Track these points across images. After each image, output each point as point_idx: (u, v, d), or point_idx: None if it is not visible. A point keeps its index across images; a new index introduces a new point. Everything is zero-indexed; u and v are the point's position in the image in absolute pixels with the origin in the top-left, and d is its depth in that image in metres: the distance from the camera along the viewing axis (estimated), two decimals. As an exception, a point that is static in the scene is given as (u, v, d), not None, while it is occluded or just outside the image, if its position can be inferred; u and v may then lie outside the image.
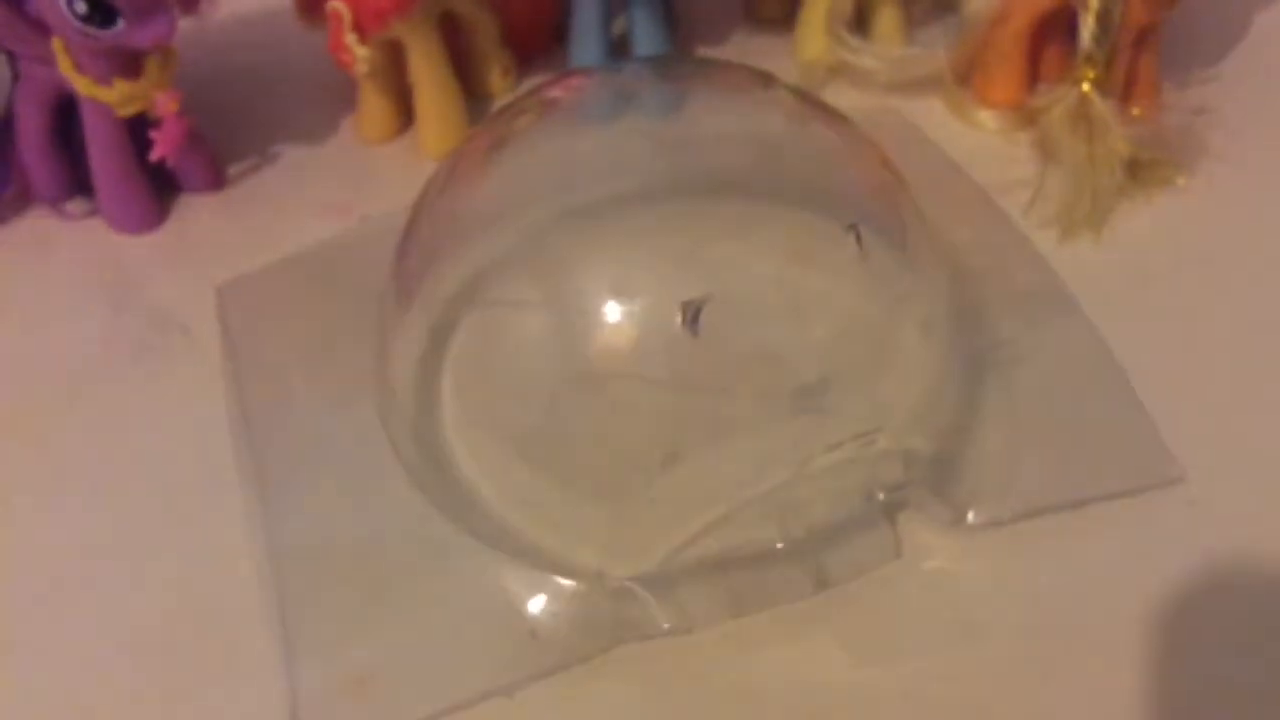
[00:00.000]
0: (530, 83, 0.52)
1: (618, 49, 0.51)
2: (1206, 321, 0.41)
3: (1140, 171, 0.45)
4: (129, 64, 0.42)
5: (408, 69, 0.47)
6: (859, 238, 0.34)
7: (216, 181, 0.47)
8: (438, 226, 0.37)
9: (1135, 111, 0.46)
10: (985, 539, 0.35)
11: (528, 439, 0.34)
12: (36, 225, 0.46)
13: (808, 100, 0.39)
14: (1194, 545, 0.35)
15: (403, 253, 0.37)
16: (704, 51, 0.54)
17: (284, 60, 0.52)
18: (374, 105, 0.49)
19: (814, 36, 0.51)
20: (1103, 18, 0.44)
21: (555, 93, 0.39)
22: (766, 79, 0.38)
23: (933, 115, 0.50)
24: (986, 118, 0.49)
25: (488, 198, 0.38)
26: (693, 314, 0.32)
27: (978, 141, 0.48)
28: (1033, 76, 0.49)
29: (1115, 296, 0.42)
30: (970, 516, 0.35)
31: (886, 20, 0.51)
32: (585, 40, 0.50)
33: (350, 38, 0.44)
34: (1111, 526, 0.35)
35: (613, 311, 0.33)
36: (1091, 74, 0.45)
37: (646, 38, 0.50)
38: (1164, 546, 0.35)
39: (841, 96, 0.50)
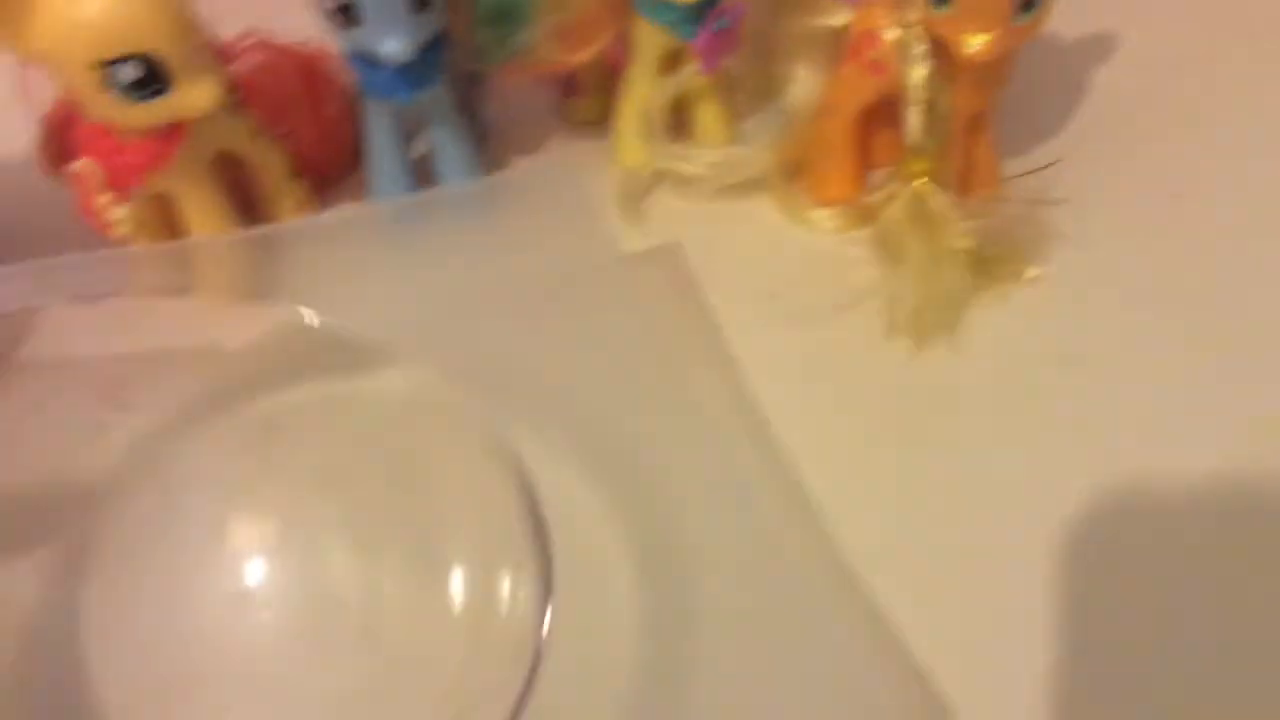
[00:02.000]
0: (333, 209, 0.47)
1: (420, 167, 0.47)
2: (1073, 422, 0.39)
3: (988, 266, 0.42)
4: None
5: (180, 219, 0.42)
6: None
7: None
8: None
9: (975, 202, 0.43)
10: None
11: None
12: None
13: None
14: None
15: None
16: (520, 162, 0.49)
17: (33, 214, 0.45)
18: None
19: (632, 142, 0.47)
20: (930, 107, 0.41)
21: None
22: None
23: (764, 216, 0.46)
24: (820, 217, 0.45)
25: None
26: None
27: (814, 245, 0.45)
28: (865, 166, 0.46)
29: (979, 404, 0.39)
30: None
31: (707, 116, 0.48)
32: (381, 168, 0.46)
33: (103, 199, 0.39)
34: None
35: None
36: (923, 167, 0.42)
37: (449, 158, 0.46)
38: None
39: (667, 203, 0.47)
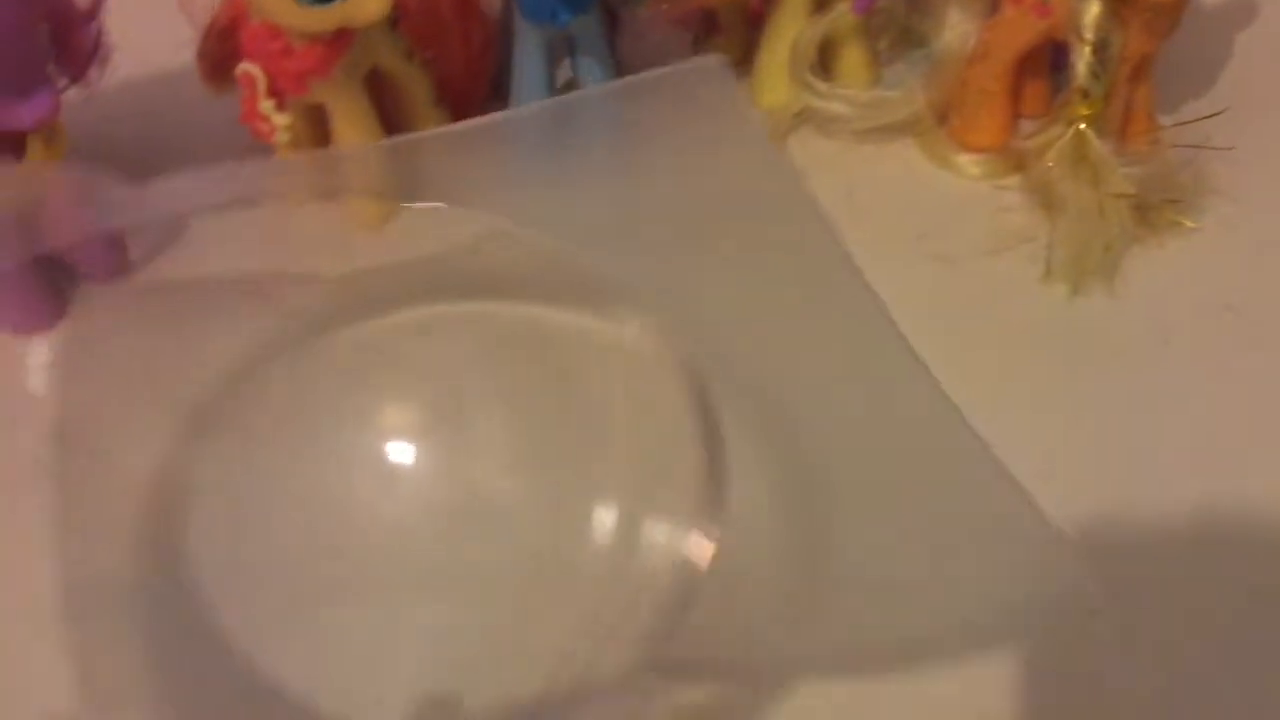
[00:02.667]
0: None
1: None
2: (1237, 372, 0.38)
3: (1147, 214, 0.41)
4: (10, 145, 0.36)
5: (332, 133, 0.42)
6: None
7: (119, 267, 0.41)
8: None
9: (1134, 149, 0.42)
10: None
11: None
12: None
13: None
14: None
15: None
16: (653, 101, 0.49)
17: (189, 127, 0.46)
18: (295, 173, 0.43)
19: (776, 81, 0.47)
20: (1099, 49, 0.40)
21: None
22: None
23: (909, 161, 0.46)
24: (969, 163, 0.45)
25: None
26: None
27: (962, 189, 0.45)
28: (1016, 112, 0.45)
29: (1139, 352, 0.39)
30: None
31: (851, 59, 0.47)
32: (529, 94, 0.45)
33: (267, 105, 0.39)
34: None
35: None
36: (1088, 111, 0.41)
37: (593, 85, 0.46)
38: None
39: (809, 144, 0.46)
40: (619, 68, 0.48)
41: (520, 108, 0.42)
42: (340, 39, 0.39)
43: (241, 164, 0.41)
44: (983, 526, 0.33)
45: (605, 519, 0.35)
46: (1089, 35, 0.40)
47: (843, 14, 0.45)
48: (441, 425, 0.37)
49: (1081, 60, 0.40)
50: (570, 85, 0.46)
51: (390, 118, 0.45)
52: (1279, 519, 0.35)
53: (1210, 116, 0.42)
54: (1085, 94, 0.41)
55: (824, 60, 0.47)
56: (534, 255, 0.36)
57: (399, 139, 0.41)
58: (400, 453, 0.37)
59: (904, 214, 0.44)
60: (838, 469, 0.35)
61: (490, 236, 0.37)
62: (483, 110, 0.48)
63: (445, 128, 0.42)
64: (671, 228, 0.39)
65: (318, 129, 0.42)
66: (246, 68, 0.38)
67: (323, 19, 0.37)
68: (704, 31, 0.50)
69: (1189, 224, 0.42)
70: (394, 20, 0.42)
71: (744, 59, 0.49)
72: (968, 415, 0.37)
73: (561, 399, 0.37)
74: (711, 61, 0.41)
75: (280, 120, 0.39)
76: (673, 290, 0.37)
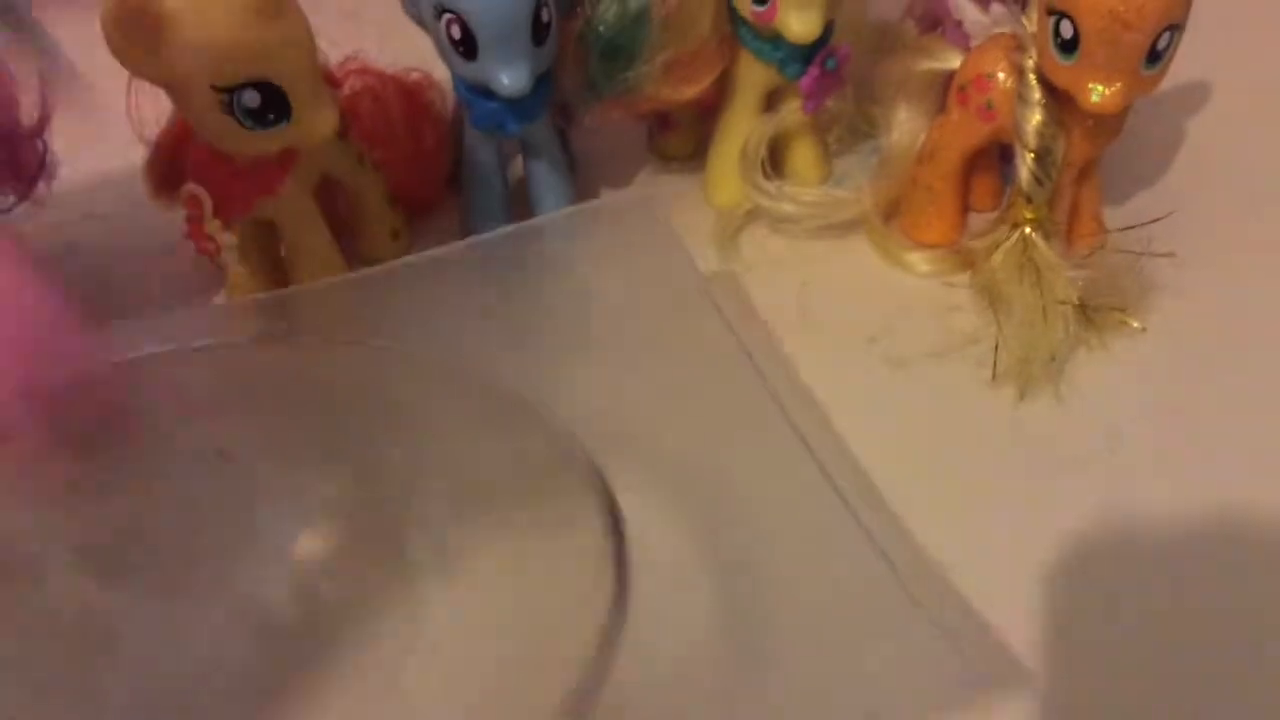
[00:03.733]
0: (426, 241, 0.47)
1: (516, 198, 0.47)
2: (1193, 472, 0.39)
3: (1093, 317, 0.42)
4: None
5: (282, 244, 0.42)
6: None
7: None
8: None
9: (1080, 251, 0.43)
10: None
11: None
12: None
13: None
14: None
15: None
16: (609, 195, 0.49)
17: (136, 233, 0.46)
18: (244, 283, 0.43)
19: (727, 180, 0.47)
20: (1042, 156, 0.40)
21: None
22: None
23: (860, 257, 0.46)
24: (917, 260, 0.45)
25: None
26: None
27: (912, 286, 0.45)
28: (964, 210, 0.46)
29: (1086, 456, 0.39)
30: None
31: (802, 155, 0.48)
32: (480, 198, 0.45)
33: (213, 225, 0.39)
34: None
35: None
36: (1032, 215, 0.41)
37: (547, 187, 0.46)
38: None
39: (760, 241, 0.47)
40: (571, 164, 0.48)
41: (462, 244, 0.42)
42: (286, 158, 0.39)
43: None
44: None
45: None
46: (1031, 142, 0.40)
47: (793, 112, 0.45)
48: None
49: (1025, 166, 0.40)
50: (522, 183, 0.47)
51: (343, 220, 0.45)
52: (1236, 632, 0.35)
53: (1155, 221, 0.43)
54: (1029, 199, 0.41)
55: (775, 156, 0.47)
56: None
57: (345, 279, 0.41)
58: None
59: (854, 314, 0.44)
60: (751, 562, 0.35)
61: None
62: (439, 206, 0.48)
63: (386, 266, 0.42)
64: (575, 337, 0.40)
65: (267, 241, 0.42)
66: (191, 189, 0.38)
67: (269, 141, 0.37)
68: (658, 127, 0.50)
69: (1135, 325, 0.42)
70: (343, 130, 0.42)
71: (697, 153, 0.49)
72: (915, 518, 0.37)
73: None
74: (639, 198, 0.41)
75: (227, 240, 0.39)
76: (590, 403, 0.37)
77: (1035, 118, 0.40)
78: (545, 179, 0.46)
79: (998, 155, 0.46)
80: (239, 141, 0.37)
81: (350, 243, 0.45)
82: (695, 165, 0.49)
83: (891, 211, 0.46)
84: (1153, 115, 0.48)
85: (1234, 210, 0.47)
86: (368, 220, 0.45)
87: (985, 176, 0.47)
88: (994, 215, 0.44)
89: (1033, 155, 0.40)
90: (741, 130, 0.46)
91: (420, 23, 0.41)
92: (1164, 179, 0.48)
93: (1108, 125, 0.41)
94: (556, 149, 0.46)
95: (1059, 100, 0.39)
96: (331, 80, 0.42)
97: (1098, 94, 0.37)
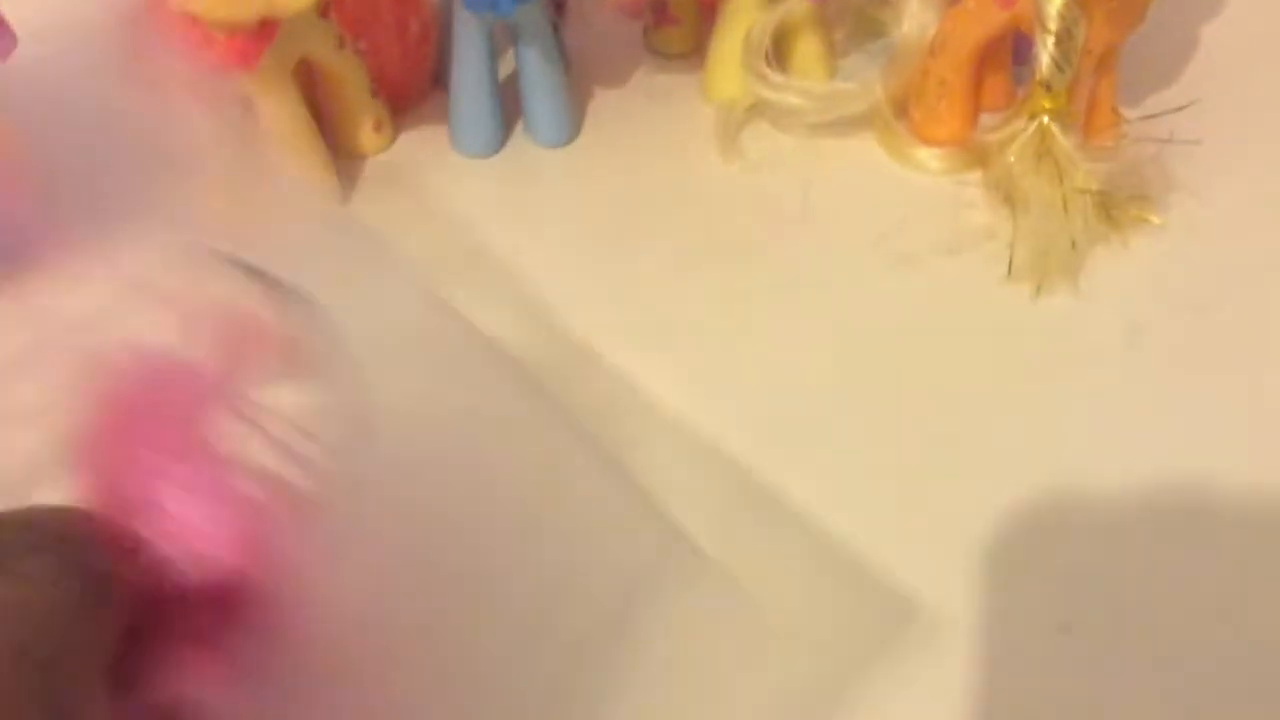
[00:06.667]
0: (407, 137, 0.45)
1: (505, 90, 0.44)
2: (1206, 372, 0.37)
3: (1112, 211, 0.40)
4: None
5: (260, 127, 0.40)
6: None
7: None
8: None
9: (1098, 144, 0.41)
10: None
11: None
12: None
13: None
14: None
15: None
16: (604, 95, 0.47)
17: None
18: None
19: (728, 74, 0.45)
20: (1063, 40, 0.38)
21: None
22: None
23: (868, 156, 0.44)
24: (928, 157, 0.43)
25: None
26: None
27: (922, 185, 0.43)
28: (976, 106, 0.44)
29: (1104, 352, 0.37)
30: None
31: (807, 51, 0.45)
32: (470, 87, 0.43)
33: (188, 97, 0.36)
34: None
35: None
36: (1050, 104, 0.39)
37: (539, 81, 0.44)
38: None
39: (764, 138, 0.45)
40: (565, 60, 0.46)
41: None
42: (265, 30, 0.37)
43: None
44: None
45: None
46: (1053, 26, 0.38)
47: (798, 3, 0.43)
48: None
49: (1045, 51, 0.39)
50: (513, 77, 0.44)
51: (325, 111, 0.43)
52: (1245, 515, 0.33)
53: (1176, 110, 0.41)
54: (1048, 86, 0.39)
55: (778, 52, 0.45)
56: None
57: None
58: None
59: (863, 212, 0.42)
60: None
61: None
62: (422, 101, 0.46)
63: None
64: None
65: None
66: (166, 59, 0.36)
67: (245, 8, 0.35)
68: (654, 22, 0.48)
69: (1154, 220, 0.41)
70: (324, 8, 0.39)
71: (695, 50, 0.47)
72: (932, 417, 0.35)
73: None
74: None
75: (201, 114, 0.36)
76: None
77: (1057, 1, 0.38)
78: (538, 72, 0.43)
79: (1010, 53, 0.44)
80: (214, 7, 0.35)
81: (331, 137, 0.43)
82: (694, 64, 0.47)
83: (901, 108, 0.44)
84: (1174, 6, 0.46)
85: (1256, 103, 0.45)
86: (349, 110, 0.43)
87: (997, 75, 0.45)
88: (1007, 113, 0.42)
89: (1054, 39, 0.38)
90: (745, 21, 0.44)
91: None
92: (1185, 72, 0.46)
93: (1130, 10, 0.39)
94: (550, 40, 0.43)
95: (1082, -18, 0.38)
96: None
97: (1126, -33, 0.35)
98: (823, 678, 0.30)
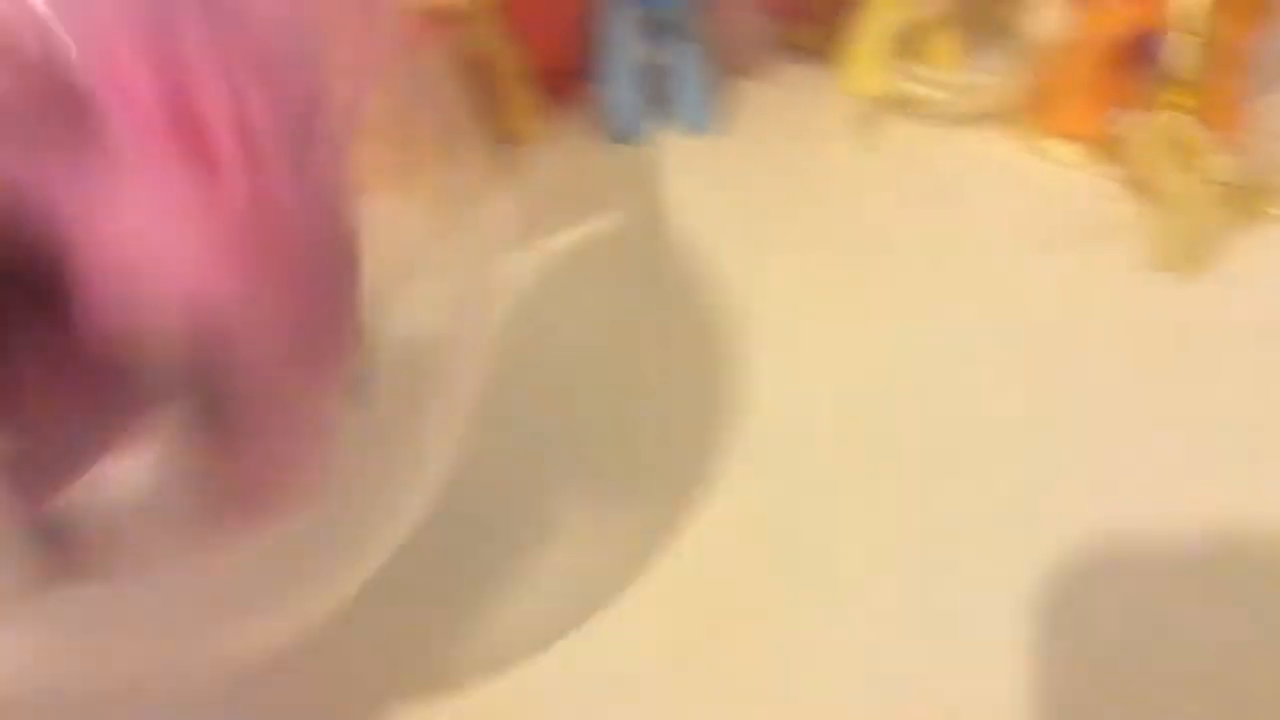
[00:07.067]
0: (563, 128, 0.47)
1: (654, 86, 0.47)
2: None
3: (1244, 203, 0.41)
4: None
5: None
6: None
7: None
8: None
9: (1230, 138, 0.42)
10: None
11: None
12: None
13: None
14: None
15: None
16: (741, 86, 0.49)
17: None
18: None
19: (868, 67, 0.47)
20: (1195, 39, 0.40)
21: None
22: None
23: (1002, 149, 0.46)
24: (1063, 152, 0.45)
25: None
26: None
27: (1056, 177, 0.44)
28: (1109, 101, 0.45)
29: (1250, 337, 0.38)
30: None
31: (942, 46, 0.47)
32: (618, 77, 0.45)
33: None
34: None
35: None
36: (1183, 99, 0.41)
37: (688, 72, 0.46)
38: None
39: (900, 131, 0.46)
40: (709, 50, 0.48)
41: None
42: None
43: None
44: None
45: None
46: (1189, 24, 0.40)
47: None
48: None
49: (1180, 49, 0.40)
50: (661, 68, 0.47)
51: (481, 98, 0.45)
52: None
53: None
54: (1180, 82, 0.40)
55: (914, 48, 0.47)
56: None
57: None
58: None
59: (999, 202, 0.43)
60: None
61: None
62: (572, 89, 0.48)
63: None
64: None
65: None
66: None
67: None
68: (791, 16, 0.50)
69: (1274, 211, 0.42)
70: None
71: (826, 49, 0.49)
72: (1068, 403, 0.37)
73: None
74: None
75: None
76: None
77: (1193, -1, 0.39)
78: (688, 63, 0.46)
79: (1143, 49, 0.46)
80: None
81: (488, 122, 0.45)
82: (825, 60, 0.49)
83: (1035, 103, 0.46)
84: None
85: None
86: (502, 94, 0.45)
87: (1130, 70, 0.46)
88: (1139, 107, 0.44)
89: (1188, 38, 0.40)
90: (884, 16, 0.46)
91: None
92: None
93: (1263, 5, 0.40)
94: (699, 32, 0.46)
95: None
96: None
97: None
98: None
